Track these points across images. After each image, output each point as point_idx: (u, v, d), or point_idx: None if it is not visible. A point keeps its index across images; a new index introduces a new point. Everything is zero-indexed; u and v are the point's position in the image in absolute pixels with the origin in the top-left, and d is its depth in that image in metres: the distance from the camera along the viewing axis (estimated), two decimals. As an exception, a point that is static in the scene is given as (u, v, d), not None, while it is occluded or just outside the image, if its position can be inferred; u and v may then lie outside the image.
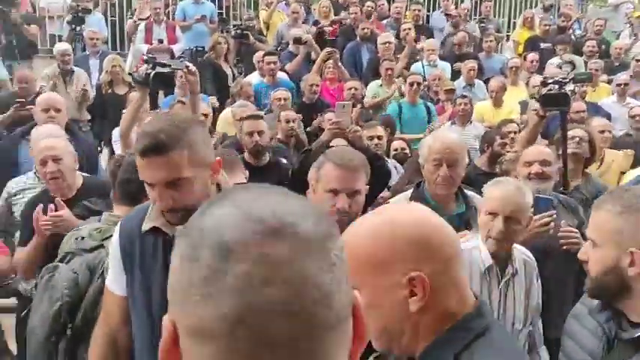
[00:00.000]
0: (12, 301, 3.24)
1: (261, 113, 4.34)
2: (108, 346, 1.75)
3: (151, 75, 3.04)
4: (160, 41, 7.00)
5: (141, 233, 1.62)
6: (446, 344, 0.99)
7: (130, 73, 5.80)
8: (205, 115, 5.08)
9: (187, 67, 3.09)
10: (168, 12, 8.06)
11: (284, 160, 3.87)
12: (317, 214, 0.61)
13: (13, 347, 3.19)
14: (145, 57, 5.90)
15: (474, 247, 2.20)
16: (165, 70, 3.08)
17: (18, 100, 5.12)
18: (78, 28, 6.98)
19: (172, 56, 6.88)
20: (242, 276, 0.55)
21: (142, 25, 7.23)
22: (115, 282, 1.71)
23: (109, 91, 5.79)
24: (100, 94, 5.91)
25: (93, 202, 2.54)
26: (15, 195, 3.09)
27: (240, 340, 0.55)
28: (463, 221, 2.46)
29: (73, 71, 6.07)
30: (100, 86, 5.94)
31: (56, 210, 2.43)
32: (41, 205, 2.52)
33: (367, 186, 2.03)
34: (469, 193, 2.58)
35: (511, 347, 1.10)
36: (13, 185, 3.15)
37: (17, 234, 2.93)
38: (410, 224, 1.02)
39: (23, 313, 2.75)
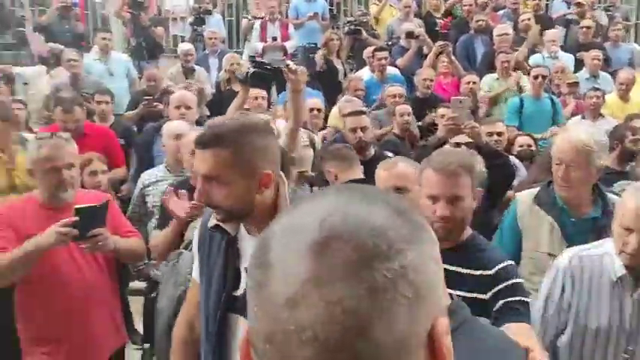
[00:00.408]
0: (142, 284, 3.51)
1: (364, 109, 4.34)
2: (187, 331, 1.81)
3: (249, 74, 3.12)
4: (274, 39, 7.21)
5: (208, 228, 1.65)
6: None
7: (232, 72, 6.02)
8: (319, 110, 5.19)
9: (288, 65, 3.07)
10: (282, 11, 8.28)
11: (390, 154, 3.85)
12: (381, 225, 0.55)
13: (140, 327, 3.47)
14: (249, 56, 6.14)
15: (606, 254, 2.04)
16: (264, 69, 3.12)
17: (146, 97, 5.54)
18: (199, 29, 7.37)
19: (285, 53, 7.08)
20: (273, 294, 0.52)
21: (257, 24, 7.49)
22: (195, 270, 1.77)
23: (228, 88, 6.06)
24: (218, 91, 6.20)
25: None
26: (148, 186, 3.33)
27: None
28: (597, 227, 2.29)
29: (194, 70, 6.45)
30: (219, 84, 6.24)
31: (191, 198, 2.57)
32: (171, 189, 2.71)
33: (480, 189, 1.93)
34: (610, 196, 2.40)
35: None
36: (146, 177, 3.40)
37: (150, 223, 3.18)
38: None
39: (151, 296, 2.99)
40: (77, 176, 2.56)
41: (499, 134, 3.87)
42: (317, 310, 0.50)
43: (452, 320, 0.74)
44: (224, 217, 1.55)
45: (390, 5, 8.08)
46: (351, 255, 0.52)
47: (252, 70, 3.13)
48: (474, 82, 5.47)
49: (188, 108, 4.00)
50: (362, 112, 3.86)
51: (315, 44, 7.03)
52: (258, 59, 3.30)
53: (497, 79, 5.89)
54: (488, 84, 5.86)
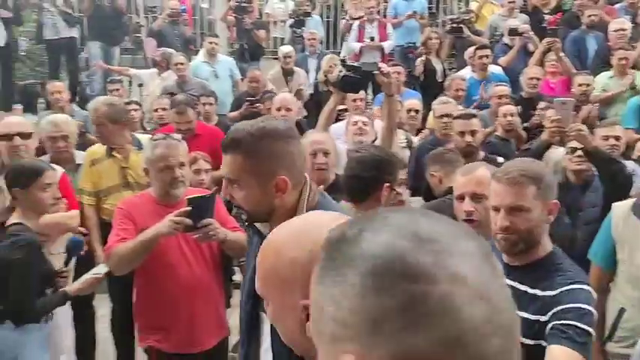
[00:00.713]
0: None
1: (474, 112, 4.21)
2: None
3: (339, 78, 3.12)
4: (372, 39, 7.20)
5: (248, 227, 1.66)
6: None
7: (325, 75, 6.06)
8: (416, 111, 5.12)
9: (380, 69, 3.02)
10: (380, 10, 8.25)
11: (500, 159, 3.71)
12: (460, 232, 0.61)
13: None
14: (340, 59, 6.14)
15: None
16: (354, 73, 3.09)
17: (249, 98, 5.75)
18: (298, 31, 7.53)
19: (383, 54, 7.05)
20: (444, 297, 0.54)
21: (355, 25, 7.52)
22: None
23: (326, 89, 6.13)
24: (316, 91, 6.30)
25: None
26: None
27: None
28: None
29: (294, 71, 6.60)
30: (317, 85, 6.33)
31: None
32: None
33: (554, 201, 1.78)
34: None
35: None
36: None
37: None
38: (309, 247, 0.95)
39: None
40: (188, 174, 2.73)
41: (616, 138, 3.56)
42: (490, 303, 0.55)
43: None
44: (247, 218, 1.58)
45: (491, 2, 7.81)
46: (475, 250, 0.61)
47: (342, 73, 3.13)
48: (588, 85, 5.13)
49: (288, 110, 4.16)
50: (472, 116, 3.73)
51: (414, 44, 6.95)
52: (349, 62, 3.29)
53: (612, 77, 5.50)
54: (603, 83, 5.49)
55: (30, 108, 6.35)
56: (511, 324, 0.57)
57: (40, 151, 3.49)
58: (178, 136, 2.77)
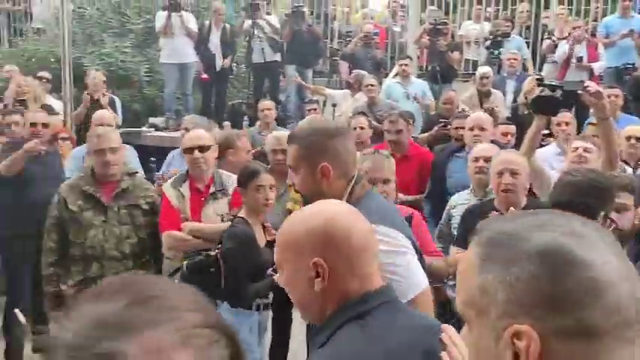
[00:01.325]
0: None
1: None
2: None
3: (533, 98, 2.82)
4: (579, 59, 6.61)
5: None
6: (327, 325, 1.22)
7: (525, 97, 5.64)
8: (638, 139, 4.51)
9: (586, 87, 2.67)
10: (587, 29, 7.57)
11: None
12: None
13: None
14: (535, 79, 5.69)
15: None
16: (552, 91, 2.75)
17: (442, 119, 5.60)
18: (495, 52, 7.21)
19: (591, 75, 6.44)
20: (604, 279, 0.70)
21: (561, 45, 6.98)
22: None
23: (526, 112, 5.74)
24: (515, 114, 5.92)
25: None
26: (454, 207, 3.36)
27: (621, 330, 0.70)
28: None
29: (491, 93, 6.29)
30: (517, 107, 5.96)
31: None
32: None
33: None
34: None
35: (384, 334, 1.20)
36: (455, 198, 3.45)
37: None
38: (322, 220, 1.25)
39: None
40: (392, 191, 2.70)
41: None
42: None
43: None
44: (304, 201, 1.91)
45: None
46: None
47: (537, 93, 2.85)
48: None
49: (482, 129, 4.01)
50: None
51: (633, 64, 6.21)
52: (547, 81, 2.98)
53: None
54: None
55: (236, 125, 6.93)
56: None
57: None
58: (386, 152, 2.77)
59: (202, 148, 3.26)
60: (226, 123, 7.09)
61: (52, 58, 7.94)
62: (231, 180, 3.19)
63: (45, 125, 4.31)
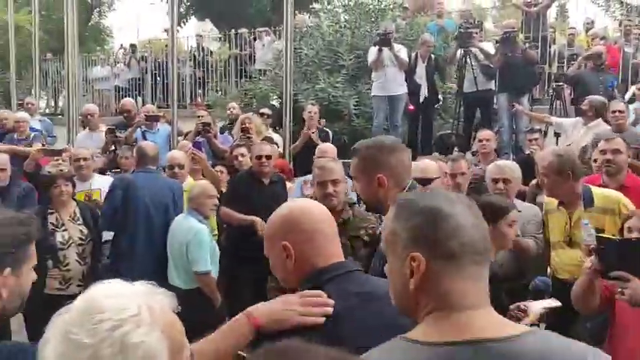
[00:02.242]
0: None
1: None
2: None
3: None
4: None
5: None
6: (310, 280, 1.54)
7: None
8: None
9: None
10: None
11: None
12: None
13: None
14: None
15: None
16: None
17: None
18: None
19: None
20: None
21: None
22: None
23: None
24: None
25: None
26: None
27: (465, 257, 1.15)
28: None
29: None
30: None
31: None
32: None
33: None
34: None
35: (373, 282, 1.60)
36: None
37: None
38: (288, 210, 1.61)
39: None
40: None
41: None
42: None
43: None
44: (366, 208, 2.49)
45: None
46: None
47: None
48: None
49: None
50: None
51: None
52: None
53: None
54: None
55: (445, 154, 6.64)
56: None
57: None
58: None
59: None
60: (436, 154, 6.84)
61: (274, 95, 8.54)
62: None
63: (268, 157, 4.53)
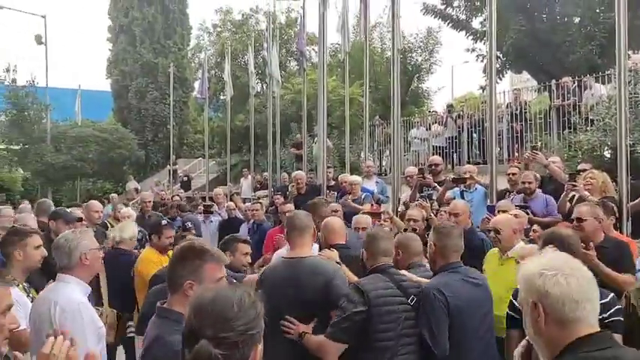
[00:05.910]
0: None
1: None
2: None
3: None
4: None
5: None
6: None
7: None
8: None
9: None
10: None
11: None
12: None
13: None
14: None
15: None
16: None
17: None
18: None
19: None
20: None
21: None
22: None
23: None
24: None
25: None
26: None
27: None
28: None
29: None
30: None
31: None
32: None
33: None
34: None
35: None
36: None
37: None
38: None
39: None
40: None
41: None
42: None
43: None
44: None
45: None
46: None
47: None
48: None
49: None
50: None
51: None
52: None
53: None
54: None
55: None
56: None
57: None
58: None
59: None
60: None
61: (604, 147, 7.63)
62: None
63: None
